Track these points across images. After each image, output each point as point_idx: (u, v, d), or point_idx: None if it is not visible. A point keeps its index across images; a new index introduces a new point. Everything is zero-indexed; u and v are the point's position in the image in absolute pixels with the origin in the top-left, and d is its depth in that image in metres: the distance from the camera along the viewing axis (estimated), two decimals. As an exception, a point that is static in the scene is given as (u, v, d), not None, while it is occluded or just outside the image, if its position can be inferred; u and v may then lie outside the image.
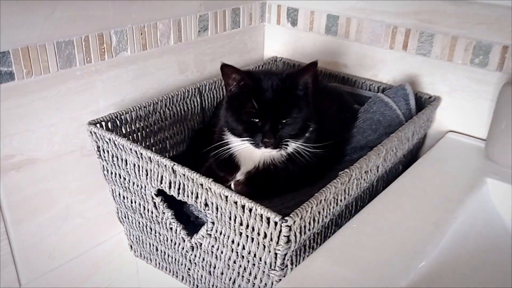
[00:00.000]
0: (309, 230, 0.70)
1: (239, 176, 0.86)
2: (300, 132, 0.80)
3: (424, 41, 1.03)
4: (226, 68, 0.79)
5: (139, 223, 0.95)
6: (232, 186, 0.87)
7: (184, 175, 0.76)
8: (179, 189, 0.79)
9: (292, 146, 0.80)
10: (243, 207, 0.70)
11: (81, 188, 0.99)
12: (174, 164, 0.77)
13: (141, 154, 0.81)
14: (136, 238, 1.00)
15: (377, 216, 0.78)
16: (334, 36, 1.17)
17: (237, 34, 1.22)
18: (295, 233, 0.67)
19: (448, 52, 1.01)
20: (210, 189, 0.73)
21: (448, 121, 1.06)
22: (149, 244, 0.97)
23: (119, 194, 0.94)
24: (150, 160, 0.81)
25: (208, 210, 0.77)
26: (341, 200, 0.77)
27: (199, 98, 1.10)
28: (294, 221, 0.65)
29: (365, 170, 0.80)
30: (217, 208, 0.75)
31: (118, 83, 0.99)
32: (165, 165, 0.78)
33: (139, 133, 0.99)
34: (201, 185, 0.74)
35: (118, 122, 0.94)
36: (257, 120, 0.77)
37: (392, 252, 0.71)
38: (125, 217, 0.98)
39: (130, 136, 0.97)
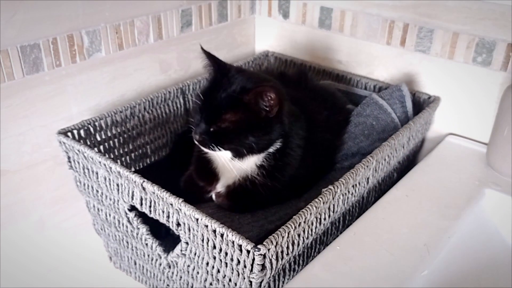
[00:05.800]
0: (287, 254, 0.65)
1: (220, 187, 0.82)
2: (258, 148, 0.74)
3: (423, 37, 0.96)
4: (204, 53, 0.77)
5: (115, 236, 0.90)
6: (214, 197, 0.83)
7: (154, 193, 0.70)
8: (150, 206, 0.74)
9: (253, 160, 0.76)
10: (214, 231, 0.64)
11: (56, 199, 0.94)
12: (144, 181, 0.71)
13: (110, 168, 0.75)
14: (114, 251, 0.95)
15: (363, 236, 0.72)
16: (328, 30, 1.10)
17: (224, 28, 1.14)
18: (270, 260, 0.61)
19: (449, 50, 0.93)
20: (180, 210, 0.67)
21: (448, 123, 0.99)
22: (127, 257, 0.92)
23: (94, 206, 0.89)
24: (119, 175, 0.75)
25: (181, 230, 0.71)
26: (324, 219, 0.71)
27: (182, 99, 1.03)
28: (269, 249, 0.59)
29: (352, 184, 0.74)
30: (189, 229, 0.69)
31: (92, 86, 0.93)
32: (135, 181, 0.72)
33: (115, 140, 0.93)
34: (171, 204, 0.68)
35: (91, 129, 0.88)
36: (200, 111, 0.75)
37: (378, 278, 0.65)
38: (101, 229, 0.93)
39: (106, 143, 0.92)
